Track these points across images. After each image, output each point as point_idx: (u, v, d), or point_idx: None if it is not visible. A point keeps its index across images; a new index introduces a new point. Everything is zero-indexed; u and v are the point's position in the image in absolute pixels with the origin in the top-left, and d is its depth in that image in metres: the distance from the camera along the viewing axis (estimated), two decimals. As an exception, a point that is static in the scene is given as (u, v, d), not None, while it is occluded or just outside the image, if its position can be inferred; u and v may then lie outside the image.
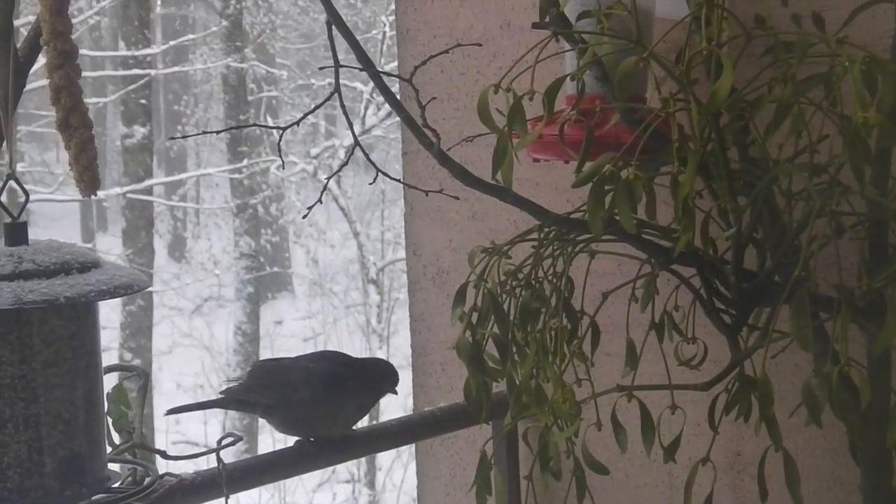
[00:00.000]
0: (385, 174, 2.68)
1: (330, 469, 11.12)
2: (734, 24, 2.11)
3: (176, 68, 15.45)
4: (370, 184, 2.50)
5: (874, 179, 2.09)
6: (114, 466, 1.90)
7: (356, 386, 2.49)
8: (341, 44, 2.25)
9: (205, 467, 2.27)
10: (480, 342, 2.27)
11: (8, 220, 1.82)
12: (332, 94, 2.37)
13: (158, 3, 14.96)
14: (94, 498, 1.81)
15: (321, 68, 2.48)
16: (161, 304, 14.97)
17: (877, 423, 2.14)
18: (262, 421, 2.53)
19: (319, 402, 2.41)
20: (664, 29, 2.26)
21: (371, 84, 2.47)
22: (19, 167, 1.86)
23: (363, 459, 12.46)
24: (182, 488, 2.00)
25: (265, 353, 15.15)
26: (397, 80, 2.49)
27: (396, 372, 2.49)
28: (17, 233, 1.80)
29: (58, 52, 1.87)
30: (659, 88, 2.20)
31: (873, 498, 2.19)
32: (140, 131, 14.46)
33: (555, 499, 2.52)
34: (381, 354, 14.35)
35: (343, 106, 2.57)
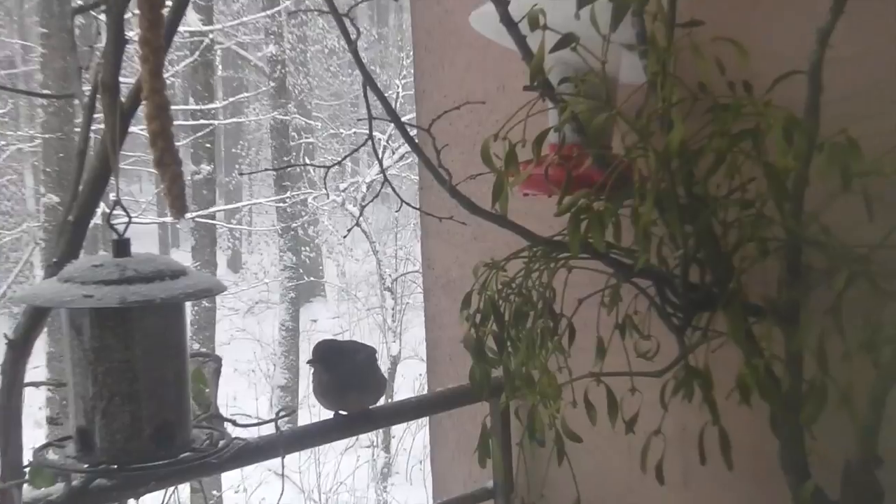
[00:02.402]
0: (408, 204, 2.70)
1: (355, 437, 11.07)
2: (682, 89, 2.12)
3: (233, 119, 15.44)
4: (396, 211, 2.54)
5: (791, 212, 2.11)
6: (196, 432, 1.92)
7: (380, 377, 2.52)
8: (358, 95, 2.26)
9: (259, 434, 2.30)
10: (482, 338, 2.29)
11: (115, 237, 1.84)
12: (366, 140, 2.40)
13: (219, 68, 14.93)
14: (181, 456, 1.83)
15: (359, 120, 2.51)
16: (222, 305, 14.97)
17: (793, 404, 2.16)
18: (300, 398, 2.54)
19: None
20: (627, 92, 2.28)
21: (387, 133, 2.46)
22: (111, 195, 1.87)
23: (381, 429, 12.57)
24: (248, 449, 2.02)
25: (303, 346, 15.17)
26: (416, 129, 2.51)
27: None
28: (122, 247, 1.82)
29: (155, 105, 1.87)
30: (623, 139, 2.22)
31: (789, 464, 2.20)
32: (205, 169, 14.47)
33: (539, 462, 2.53)
34: (394, 348, 14.41)
35: (375, 149, 2.59)
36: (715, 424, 2.18)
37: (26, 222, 15.07)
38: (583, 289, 2.28)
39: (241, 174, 15.76)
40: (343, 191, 14.48)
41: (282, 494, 2.71)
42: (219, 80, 15.05)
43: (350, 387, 2.43)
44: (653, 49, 2.18)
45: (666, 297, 2.26)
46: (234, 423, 1.98)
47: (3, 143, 14.67)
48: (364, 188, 13.85)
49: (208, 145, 14.69)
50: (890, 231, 1.89)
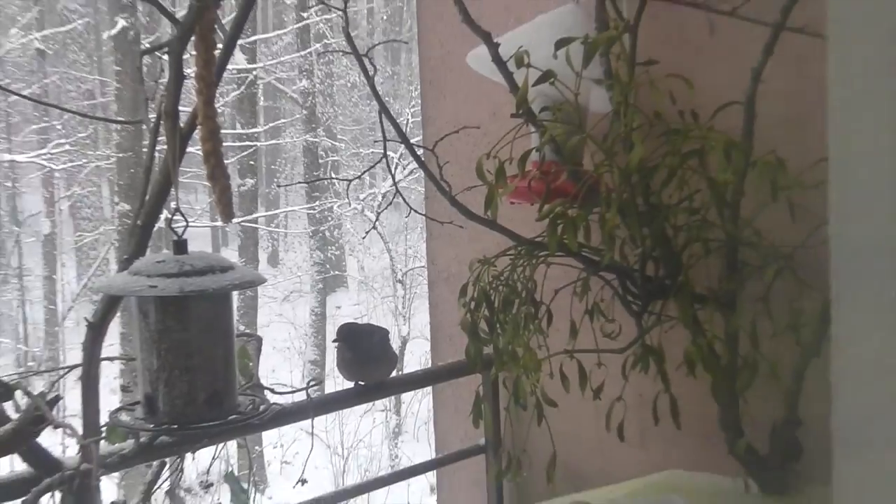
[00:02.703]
0: (415, 210, 2.70)
1: (371, 403, 11.03)
2: (641, 116, 2.12)
3: (272, 141, 15.44)
4: (405, 217, 2.53)
5: (730, 218, 2.11)
6: (241, 398, 1.92)
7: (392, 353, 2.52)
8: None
9: (293, 400, 2.30)
10: (476, 321, 2.28)
11: (175, 238, 1.84)
12: (381, 158, 2.40)
13: (261, 99, 14.92)
14: (229, 418, 1.83)
15: (375, 141, 2.49)
16: (263, 294, 14.92)
17: (730, 376, 2.16)
18: (326, 371, 2.53)
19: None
20: (596, 119, 2.28)
21: (398, 152, 2.45)
22: (172, 204, 1.88)
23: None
24: (283, 412, 2.01)
25: (329, 328, 15.20)
26: (422, 149, 2.51)
27: None
28: (181, 246, 1.82)
29: (208, 130, 1.87)
30: (592, 157, 2.22)
31: (726, 425, 2.20)
32: (249, 182, 14.47)
33: (522, 423, 2.53)
34: (404, 329, 14.45)
35: (388, 166, 2.59)
36: (666, 392, 2.18)
37: (103, 226, 15.06)
38: (558, 281, 2.28)
39: (278, 186, 15.74)
40: (362, 200, 14.49)
41: (311, 449, 2.72)
42: (260, 109, 15.02)
43: (367, 362, 2.44)
44: (617, 83, 2.19)
45: (627, 287, 2.26)
46: (272, 391, 1.98)
47: (84, 161, 14.67)
48: (380, 198, 13.86)
49: (252, 162, 14.71)
50: (809, 234, 1.88)
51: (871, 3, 0.75)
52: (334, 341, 2.48)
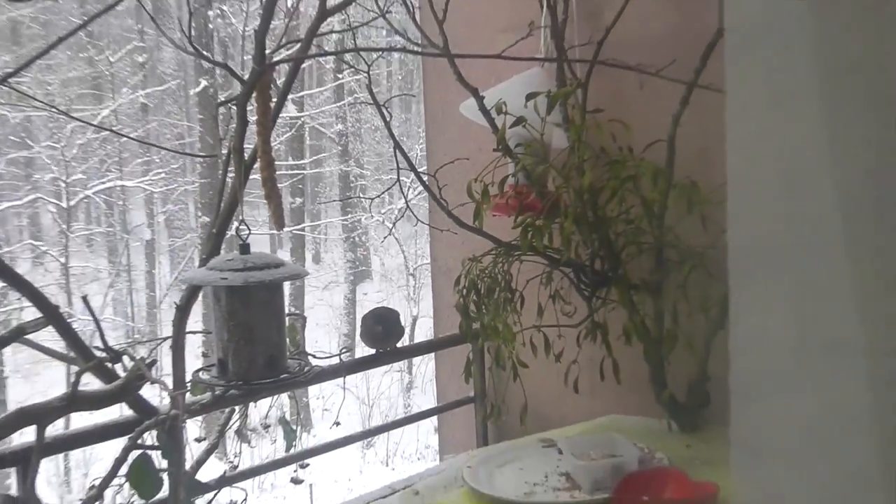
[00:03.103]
0: (422, 221, 2.71)
1: (389, 365, 11.03)
2: (590, 151, 2.12)
3: (315, 170, 15.43)
4: (414, 226, 2.51)
5: (656, 227, 2.11)
6: (290, 361, 1.91)
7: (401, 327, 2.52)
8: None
9: (329, 364, 2.30)
10: (467, 304, 2.27)
11: (241, 242, 1.84)
12: (395, 182, 2.39)
13: (307, 138, 14.93)
14: (281, 376, 1.83)
15: (391, 170, 2.48)
16: (308, 284, 14.86)
17: (657, 344, 2.16)
18: (356, 342, 2.54)
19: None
20: (556, 153, 2.27)
21: (409, 178, 2.45)
22: (239, 217, 1.88)
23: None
24: (322, 373, 2.01)
25: (358, 312, 15.26)
26: (427, 175, 2.50)
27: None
28: (245, 249, 1.81)
29: (265, 162, 1.87)
30: (554, 181, 2.23)
31: (654, 380, 2.20)
32: (298, 200, 14.49)
33: (501, 380, 2.53)
34: (415, 311, 14.47)
35: (401, 188, 2.59)
36: (609, 357, 2.18)
37: (189, 234, 15.07)
38: (529, 273, 2.28)
39: (320, 203, 15.68)
40: (383, 213, 14.50)
41: (343, 399, 2.73)
42: (307, 146, 14.98)
43: (385, 334, 2.43)
44: (572, 126, 2.19)
45: (580, 278, 2.26)
46: (314, 357, 1.97)
47: (175, 185, 14.73)
48: (396, 211, 13.89)
49: (300, 186, 14.72)
50: (715, 238, 1.88)
51: (758, 69, 0.75)
52: (363, 320, 2.49)
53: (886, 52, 0.64)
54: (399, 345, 2.49)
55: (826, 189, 0.68)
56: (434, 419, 2.99)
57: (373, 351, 2.48)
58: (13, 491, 1.57)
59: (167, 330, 1.93)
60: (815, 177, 0.69)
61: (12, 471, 1.66)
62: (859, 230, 0.67)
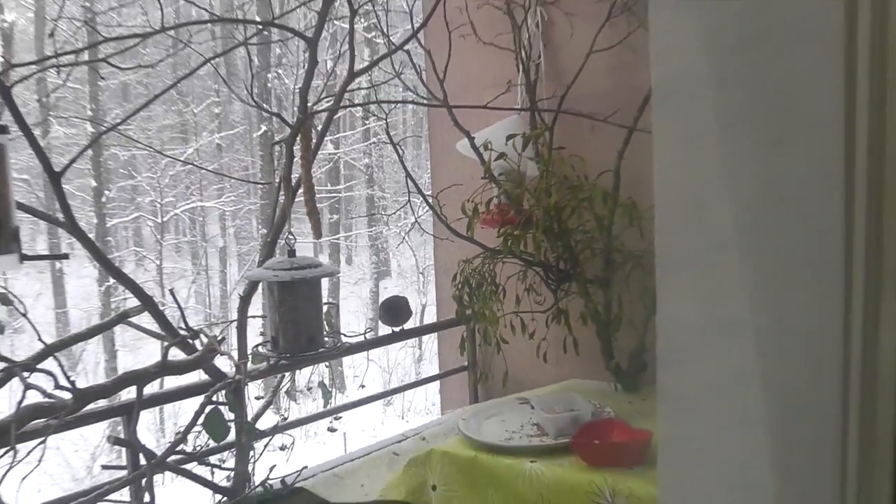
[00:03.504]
0: (428, 232, 2.70)
1: (404, 341, 10.96)
2: (555, 178, 2.12)
3: (348, 193, 15.42)
4: (421, 235, 2.51)
5: (606, 236, 2.11)
6: (327, 339, 1.91)
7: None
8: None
9: (357, 340, 2.29)
10: (462, 295, 2.27)
11: (289, 248, 1.84)
12: (406, 202, 2.40)
13: (342, 169, 14.91)
14: (319, 350, 1.82)
15: (404, 193, 2.48)
16: (342, 280, 14.80)
17: (606, 325, 2.16)
18: (378, 324, 2.51)
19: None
20: (530, 179, 2.28)
21: (419, 199, 2.44)
22: (288, 229, 1.87)
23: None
24: (352, 347, 1.99)
25: (380, 299, 15.15)
26: (431, 197, 2.50)
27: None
28: (292, 253, 1.81)
29: (307, 187, 1.88)
30: (528, 201, 2.23)
31: (604, 352, 2.20)
32: (335, 216, 14.47)
33: (488, 353, 2.52)
34: (423, 300, 14.42)
35: (411, 206, 2.59)
36: (570, 335, 2.18)
37: (252, 242, 15.07)
38: (509, 272, 2.27)
39: (351, 218, 15.65)
40: (399, 226, 14.51)
41: (367, 368, 2.70)
42: (341, 175, 14.97)
43: (398, 316, 2.41)
44: (541, 160, 2.19)
45: (548, 275, 2.25)
46: (345, 335, 1.97)
47: (242, 205, 14.72)
48: (409, 224, 13.89)
49: (336, 205, 14.67)
50: (649, 244, 1.88)
51: (676, 117, 0.76)
52: (382, 305, 2.47)
53: (768, 105, 0.65)
54: (409, 325, 2.48)
55: (725, 207, 0.69)
56: (437, 383, 2.98)
57: (388, 330, 2.46)
58: (121, 434, 1.57)
59: (234, 315, 1.93)
60: (716, 198, 0.69)
61: (120, 419, 1.66)
62: (749, 237, 0.67)
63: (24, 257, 1.32)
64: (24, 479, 1.14)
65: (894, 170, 0.58)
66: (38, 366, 1.32)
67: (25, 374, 1.27)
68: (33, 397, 1.27)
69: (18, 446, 1.14)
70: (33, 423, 1.27)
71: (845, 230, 0.59)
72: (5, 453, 1.13)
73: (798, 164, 0.61)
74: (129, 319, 1.68)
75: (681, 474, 0.72)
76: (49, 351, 1.37)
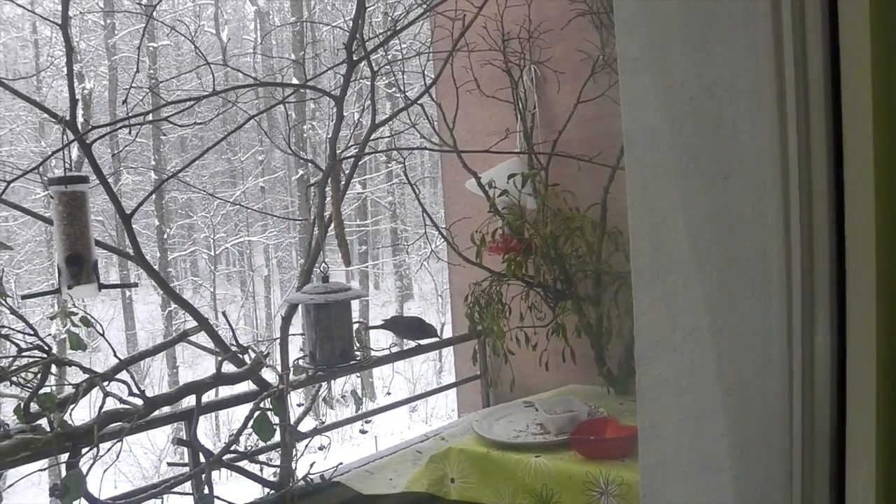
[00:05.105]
0: (443, 259, 2.70)
1: (425, 354, 10.83)
2: (550, 211, 2.14)
3: (374, 227, 15.46)
4: (437, 262, 2.50)
5: (596, 260, 2.12)
6: (357, 353, 1.91)
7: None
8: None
9: (382, 354, 2.28)
10: (473, 313, 2.27)
11: (323, 275, 1.86)
12: (423, 234, 2.41)
13: (368, 206, 14.96)
14: (351, 363, 1.81)
15: (422, 226, 2.48)
16: (371, 302, 14.74)
17: (599, 336, 2.16)
18: (403, 340, 2.47)
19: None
20: (529, 212, 2.29)
21: (436, 233, 2.45)
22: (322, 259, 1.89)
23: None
24: (379, 360, 1.96)
25: (405, 319, 14.98)
26: (445, 229, 2.52)
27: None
28: (326, 279, 1.82)
29: (337, 222, 1.89)
30: (528, 231, 2.24)
31: (597, 360, 2.19)
32: (364, 247, 14.49)
33: (496, 363, 2.50)
34: (443, 319, 14.33)
35: (428, 238, 2.61)
36: (568, 346, 2.17)
37: (293, 271, 15.14)
38: (514, 292, 2.27)
39: (377, 248, 15.64)
40: (419, 255, 14.48)
41: (392, 377, 2.69)
42: (368, 211, 15.01)
43: (420, 332, 2.38)
44: (539, 195, 2.21)
45: (547, 295, 2.25)
46: (374, 349, 1.98)
47: (283, 238, 14.82)
48: (428, 253, 13.82)
49: (364, 238, 14.72)
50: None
51: (644, 158, 0.78)
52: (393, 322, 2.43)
53: (717, 147, 0.67)
54: (428, 341, 2.45)
55: (683, 232, 0.71)
56: (455, 390, 2.97)
57: (412, 344, 2.45)
58: (183, 437, 1.59)
59: (278, 333, 1.95)
60: (677, 225, 0.72)
61: (182, 425, 1.68)
62: (705, 257, 0.69)
63: (101, 286, 1.36)
64: (105, 470, 1.16)
65: (821, 200, 0.60)
66: (116, 377, 1.36)
67: (105, 383, 1.31)
68: (111, 404, 1.30)
69: (100, 445, 1.17)
70: (111, 425, 1.30)
71: (785, 250, 0.61)
72: (88, 451, 1.16)
73: (743, 196, 0.64)
74: (189, 338, 1.71)
75: (655, 459, 0.74)
76: (123, 365, 1.41)
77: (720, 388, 0.68)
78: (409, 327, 2.25)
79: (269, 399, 1.65)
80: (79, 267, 1.36)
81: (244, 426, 1.60)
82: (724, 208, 0.66)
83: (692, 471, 0.70)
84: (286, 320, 1.94)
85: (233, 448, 1.57)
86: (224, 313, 2.03)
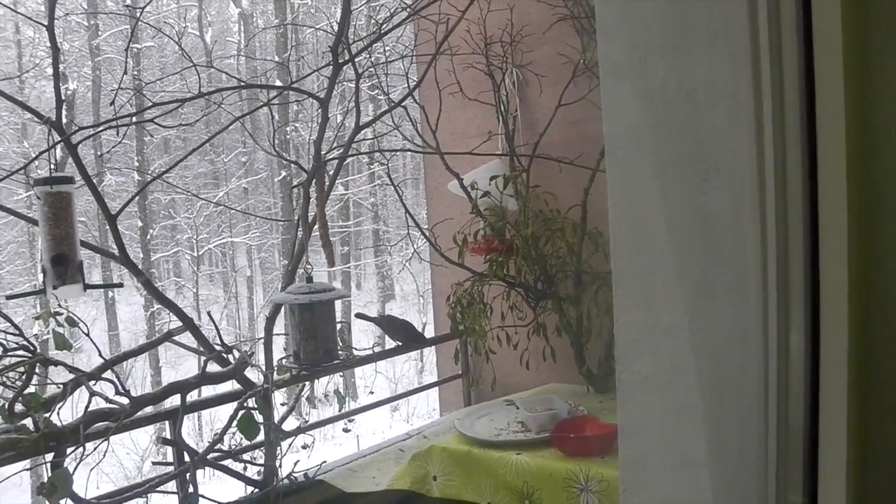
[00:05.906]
0: (425, 260, 2.71)
1: (407, 354, 10.80)
2: (531, 212, 2.15)
3: (356, 228, 15.39)
4: (419, 262, 2.50)
5: (576, 260, 2.13)
6: (340, 352, 1.90)
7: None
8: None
9: (366, 354, 2.26)
10: (455, 313, 2.27)
11: (306, 276, 1.85)
12: (406, 235, 2.41)
13: (351, 208, 14.90)
14: (334, 362, 1.82)
15: (405, 227, 2.49)
16: (354, 303, 14.63)
17: (578, 336, 2.17)
18: (385, 340, 2.46)
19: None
20: (511, 213, 2.30)
21: (419, 234, 2.45)
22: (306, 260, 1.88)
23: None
24: (362, 359, 1.96)
25: (387, 319, 14.92)
26: (428, 230, 2.52)
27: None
28: (309, 280, 1.82)
29: (321, 224, 1.89)
30: (509, 231, 2.25)
31: (577, 360, 2.21)
32: (346, 248, 14.41)
33: (478, 362, 2.49)
34: (423, 319, 14.27)
35: (411, 238, 2.60)
36: (548, 345, 2.19)
37: (275, 272, 15.05)
38: (495, 292, 2.28)
39: (359, 249, 15.58)
40: (401, 255, 14.45)
41: (375, 377, 2.67)
42: (351, 212, 14.94)
43: (411, 337, 2.36)
44: (520, 197, 2.22)
45: (528, 294, 2.26)
46: (356, 349, 1.97)
47: (266, 240, 14.74)
48: (409, 253, 13.79)
49: (347, 239, 14.64)
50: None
51: (624, 161, 0.79)
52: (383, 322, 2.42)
53: (695, 150, 0.68)
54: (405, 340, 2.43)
55: (663, 233, 0.72)
56: (437, 389, 2.97)
57: (394, 344, 2.44)
58: (167, 435, 1.58)
59: (261, 333, 1.93)
60: (656, 226, 0.72)
61: (166, 424, 1.66)
62: (684, 258, 0.70)
63: (86, 286, 1.34)
64: (91, 470, 1.15)
65: (796, 202, 0.61)
66: (102, 376, 1.34)
67: (91, 383, 1.29)
68: (96, 404, 1.29)
69: (85, 444, 1.15)
70: (96, 425, 1.29)
71: (761, 251, 0.62)
72: (74, 450, 1.15)
73: (721, 198, 0.65)
74: (173, 338, 1.69)
75: (635, 455, 0.74)
76: (108, 364, 1.39)
77: (698, 385, 0.69)
78: (401, 330, 2.24)
79: (253, 398, 1.64)
80: (64, 267, 1.35)
81: (229, 425, 1.59)
82: (702, 210, 0.67)
83: (671, 466, 0.70)
84: (270, 320, 1.93)
85: (217, 447, 1.56)
86: (209, 313, 2.01)
